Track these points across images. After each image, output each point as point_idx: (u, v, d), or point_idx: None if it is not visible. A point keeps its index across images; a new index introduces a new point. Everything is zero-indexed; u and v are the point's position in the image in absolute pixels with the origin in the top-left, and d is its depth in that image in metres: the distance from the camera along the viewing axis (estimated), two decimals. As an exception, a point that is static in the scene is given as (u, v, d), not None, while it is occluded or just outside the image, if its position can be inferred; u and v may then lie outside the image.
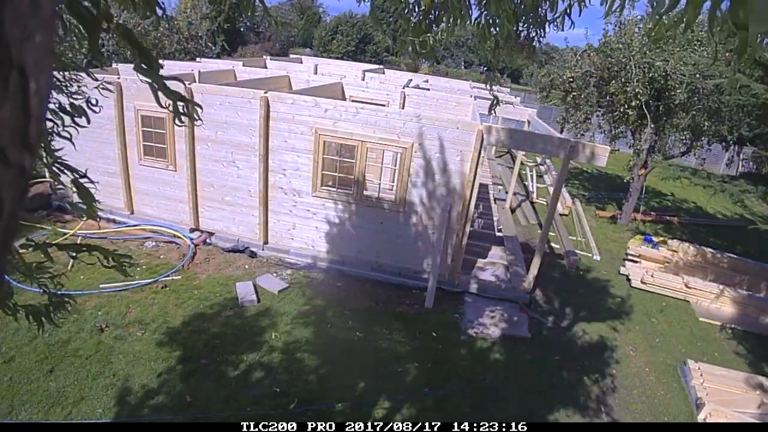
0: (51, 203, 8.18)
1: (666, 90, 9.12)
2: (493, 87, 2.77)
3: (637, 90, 9.00)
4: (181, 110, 1.39)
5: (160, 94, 1.28)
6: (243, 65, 11.11)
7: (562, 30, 2.42)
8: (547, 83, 11.51)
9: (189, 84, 6.85)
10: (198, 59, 13.16)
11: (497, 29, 2.11)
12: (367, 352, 5.50)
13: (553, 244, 9.11)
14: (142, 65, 1.15)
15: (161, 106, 1.35)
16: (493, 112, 3.18)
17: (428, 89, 10.15)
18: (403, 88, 9.97)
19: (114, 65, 8.66)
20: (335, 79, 10.46)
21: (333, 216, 7.01)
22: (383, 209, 6.79)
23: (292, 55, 18.92)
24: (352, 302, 6.48)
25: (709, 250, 8.62)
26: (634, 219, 11.22)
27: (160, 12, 1.54)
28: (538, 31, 2.40)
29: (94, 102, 2.01)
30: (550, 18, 2.25)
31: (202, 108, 1.59)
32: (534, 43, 2.49)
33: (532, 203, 11.72)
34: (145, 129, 7.23)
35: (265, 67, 12.45)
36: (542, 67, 12.11)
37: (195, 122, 1.51)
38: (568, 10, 2.23)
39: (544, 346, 6.06)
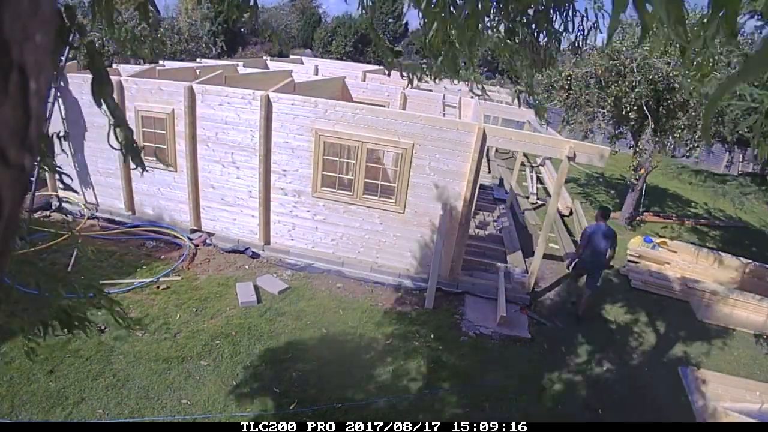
0: (51, 204, 8.18)
1: (667, 91, 9.12)
2: (495, 88, 2.78)
3: (637, 90, 9.00)
4: (133, 147, 1.33)
5: (115, 130, 1.23)
6: (243, 65, 11.11)
7: (586, 44, 2.44)
8: (547, 84, 11.51)
9: (190, 83, 6.85)
10: (198, 60, 13.16)
11: (516, 39, 2.12)
12: (367, 353, 5.50)
13: (552, 245, 9.10)
14: (99, 91, 1.09)
15: (111, 146, 1.29)
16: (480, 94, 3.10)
17: (430, 90, 10.16)
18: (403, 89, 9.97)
19: (114, 65, 8.66)
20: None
21: (333, 217, 7.01)
22: (383, 210, 6.79)
23: (292, 56, 18.91)
24: (352, 303, 6.48)
25: (709, 250, 8.61)
26: (635, 219, 11.21)
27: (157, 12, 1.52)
28: (555, 42, 2.40)
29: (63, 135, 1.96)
30: (566, 38, 2.28)
31: (144, 167, 1.51)
32: (552, 53, 2.49)
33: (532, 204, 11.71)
34: (145, 129, 7.23)
35: (266, 68, 12.45)
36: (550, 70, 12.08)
37: (139, 172, 1.46)
38: (586, 33, 2.25)
39: (543, 346, 6.06)
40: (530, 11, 2.08)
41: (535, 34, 2.23)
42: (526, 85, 2.62)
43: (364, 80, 11.20)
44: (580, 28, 2.30)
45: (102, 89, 1.09)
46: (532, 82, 2.62)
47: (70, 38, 1.04)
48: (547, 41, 2.33)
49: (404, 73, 2.45)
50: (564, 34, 2.29)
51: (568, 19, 2.19)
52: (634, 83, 9.05)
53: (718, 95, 0.63)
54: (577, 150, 6.16)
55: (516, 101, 2.85)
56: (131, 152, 1.32)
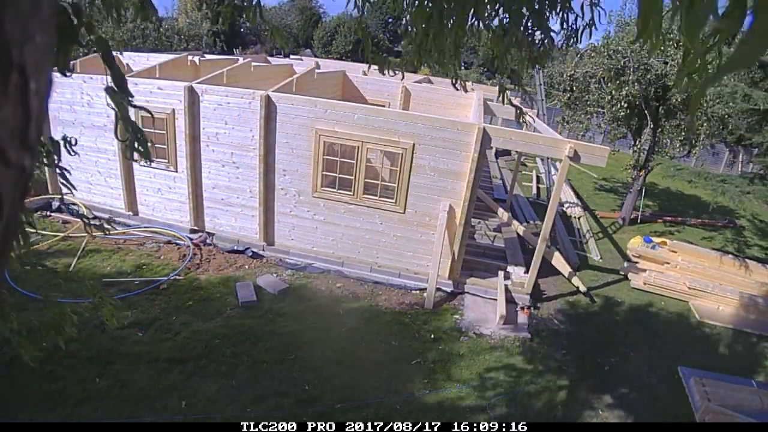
0: (51, 204, 8.18)
1: (665, 91, 9.13)
2: (494, 88, 2.77)
3: (627, 89, 9.02)
4: (135, 146, 1.34)
5: (120, 124, 1.23)
6: (243, 59, 11.09)
7: (578, 43, 2.44)
8: (547, 83, 11.52)
9: (190, 83, 6.85)
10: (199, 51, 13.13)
11: (508, 35, 2.12)
12: (367, 353, 5.49)
13: (557, 245, 9.09)
14: (113, 88, 1.10)
15: (117, 138, 1.28)
16: (522, 121, 3.19)
17: (431, 83, 10.18)
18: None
19: (116, 54, 8.64)
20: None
21: (333, 217, 7.01)
22: (383, 210, 6.79)
23: (292, 56, 18.90)
24: (351, 303, 6.48)
25: (709, 250, 8.60)
26: (637, 219, 11.20)
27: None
28: (547, 39, 2.40)
29: (73, 143, 1.98)
30: (560, 34, 2.28)
31: (152, 144, 1.54)
32: (546, 48, 2.48)
33: (532, 204, 11.71)
34: (145, 129, 7.20)
35: (268, 62, 12.44)
36: (543, 68, 12.08)
37: (142, 162, 1.48)
38: (579, 33, 2.26)
39: (544, 346, 6.06)
40: (524, 9, 2.08)
41: (530, 30, 2.23)
42: (514, 75, 2.59)
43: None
44: (573, 26, 2.31)
45: (119, 88, 1.12)
46: (522, 75, 2.61)
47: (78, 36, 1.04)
48: (543, 37, 2.33)
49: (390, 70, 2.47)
50: (558, 32, 2.29)
51: (562, 16, 2.20)
52: (629, 83, 9.07)
53: (703, 90, 0.67)
54: (577, 150, 6.15)
55: (502, 96, 2.79)
56: (136, 145, 1.33)
